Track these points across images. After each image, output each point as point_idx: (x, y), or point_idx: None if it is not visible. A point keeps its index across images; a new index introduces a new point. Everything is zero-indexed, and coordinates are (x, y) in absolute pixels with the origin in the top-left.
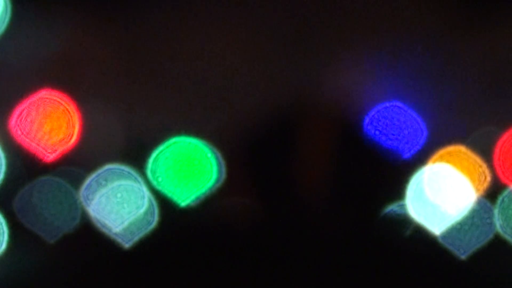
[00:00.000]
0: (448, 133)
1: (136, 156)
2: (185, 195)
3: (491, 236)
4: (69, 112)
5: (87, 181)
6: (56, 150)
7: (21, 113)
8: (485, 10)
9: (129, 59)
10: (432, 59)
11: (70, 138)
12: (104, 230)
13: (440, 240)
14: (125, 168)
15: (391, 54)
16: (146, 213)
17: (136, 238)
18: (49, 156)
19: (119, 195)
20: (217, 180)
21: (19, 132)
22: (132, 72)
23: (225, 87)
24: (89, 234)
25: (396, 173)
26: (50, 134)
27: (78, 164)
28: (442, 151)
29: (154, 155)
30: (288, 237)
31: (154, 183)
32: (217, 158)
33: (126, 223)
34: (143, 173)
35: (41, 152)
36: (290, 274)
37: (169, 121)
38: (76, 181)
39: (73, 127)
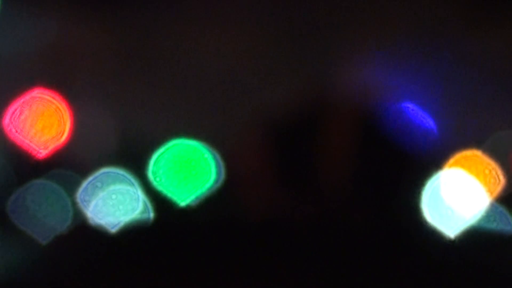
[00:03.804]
0: (463, 137)
1: (131, 157)
2: (184, 195)
3: (506, 239)
4: (60, 110)
5: (83, 184)
6: (48, 147)
7: (14, 112)
8: (502, 9)
9: (126, 56)
10: (448, 61)
11: (61, 136)
12: (99, 231)
13: (454, 243)
14: (120, 171)
15: (406, 54)
16: (140, 215)
17: (131, 239)
18: (41, 153)
19: (113, 196)
20: (216, 181)
21: (12, 130)
22: (128, 71)
23: (226, 86)
24: (83, 236)
25: (411, 172)
26: (42, 131)
27: (72, 166)
28: (458, 156)
29: (154, 156)
30: (289, 236)
31: (153, 183)
32: (216, 159)
33: (121, 225)
34: (138, 174)
35: (33, 149)
36: (288, 274)
37: (166, 121)
38: (69, 183)
39: (64, 124)
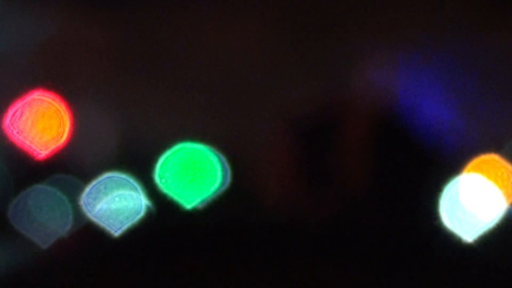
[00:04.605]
0: (481, 141)
1: (135, 160)
2: (190, 198)
3: None
4: (60, 111)
5: (86, 188)
6: (48, 148)
7: (14, 113)
8: None
9: (129, 56)
10: (464, 63)
11: (61, 137)
12: (102, 235)
13: (472, 247)
14: (123, 175)
15: (424, 55)
16: (144, 219)
17: (135, 243)
18: (41, 154)
19: (116, 200)
20: (223, 184)
21: (13, 132)
22: (132, 71)
23: (234, 87)
24: (85, 240)
25: (430, 175)
26: (42, 132)
27: (73, 170)
28: (476, 160)
29: (159, 159)
30: (298, 239)
31: (158, 186)
32: (222, 162)
33: (124, 229)
34: (142, 178)
35: (34, 151)
36: (297, 276)
37: (170, 123)
38: (70, 188)
39: (64, 126)
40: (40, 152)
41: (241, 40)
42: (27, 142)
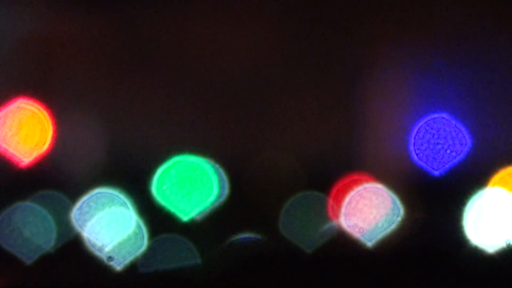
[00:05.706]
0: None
1: (125, 172)
2: (187, 210)
3: None
4: (43, 119)
5: (74, 203)
6: (30, 155)
7: None
8: None
9: (121, 59)
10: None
11: (44, 144)
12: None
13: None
14: (112, 190)
15: (443, 61)
16: (134, 236)
17: (127, 261)
18: (24, 162)
19: (105, 216)
20: (219, 196)
21: None
22: (124, 77)
23: (233, 97)
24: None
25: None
26: (25, 140)
27: (62, 186)
28: (501, 173)
29: (153, 171)
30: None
31: (150, 199)
32: (219, 175)
33: (115, 244)
34: (132, 191)
35: (17, 157)
36: None
37: (164, 133)
38: (56, 204)
39: (47, 133)
40: (23, 160)
41: (241, 45)
42: (10, 150)
